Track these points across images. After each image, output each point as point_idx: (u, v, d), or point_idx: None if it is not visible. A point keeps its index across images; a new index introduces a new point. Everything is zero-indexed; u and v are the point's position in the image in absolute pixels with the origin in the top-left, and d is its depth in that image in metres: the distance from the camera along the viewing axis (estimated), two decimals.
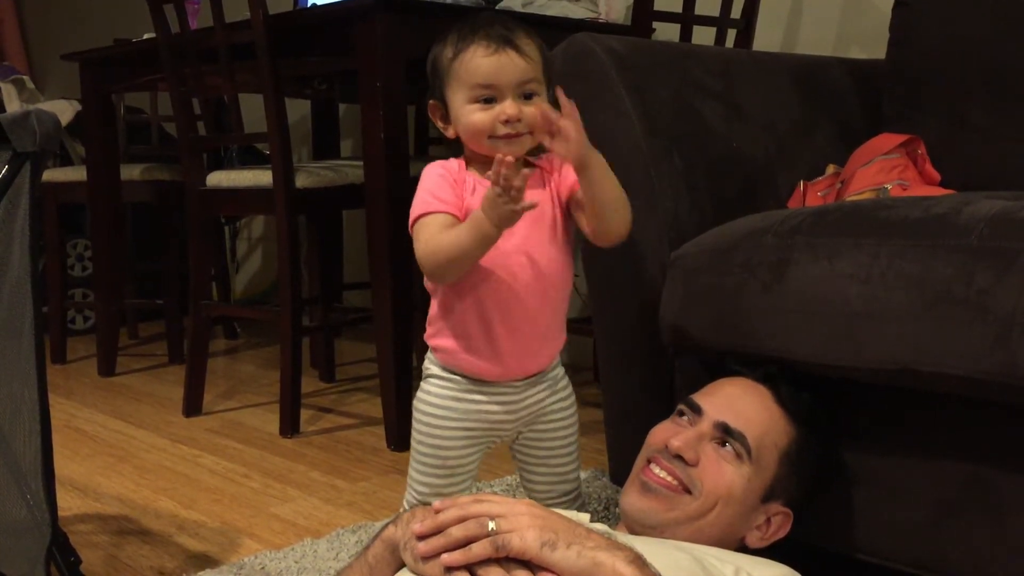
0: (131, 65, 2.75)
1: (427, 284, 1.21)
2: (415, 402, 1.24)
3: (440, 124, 1.19)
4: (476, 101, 1.12)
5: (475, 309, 1.16)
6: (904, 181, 1.53)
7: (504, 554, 0.89)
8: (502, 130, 1.11)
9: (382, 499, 1.81)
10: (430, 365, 1.24)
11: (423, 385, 1.24)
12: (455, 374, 1.21)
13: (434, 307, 1.21)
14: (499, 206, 1.04)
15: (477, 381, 1.20)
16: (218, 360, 3.17)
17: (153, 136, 3.61)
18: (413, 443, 1.24)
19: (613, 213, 1.13)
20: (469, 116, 1.13)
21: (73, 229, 3.49)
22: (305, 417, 2.36)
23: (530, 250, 1.15)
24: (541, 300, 1.18)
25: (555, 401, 1.25)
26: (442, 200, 1.14)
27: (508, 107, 1.11)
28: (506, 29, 1.12)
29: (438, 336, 1.21)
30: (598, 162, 1.11)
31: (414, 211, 1.16)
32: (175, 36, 2.34)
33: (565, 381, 1.27)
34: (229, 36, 2.20)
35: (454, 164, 1.18)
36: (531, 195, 1.07)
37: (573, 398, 1.28)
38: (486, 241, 1.08)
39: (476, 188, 1.15)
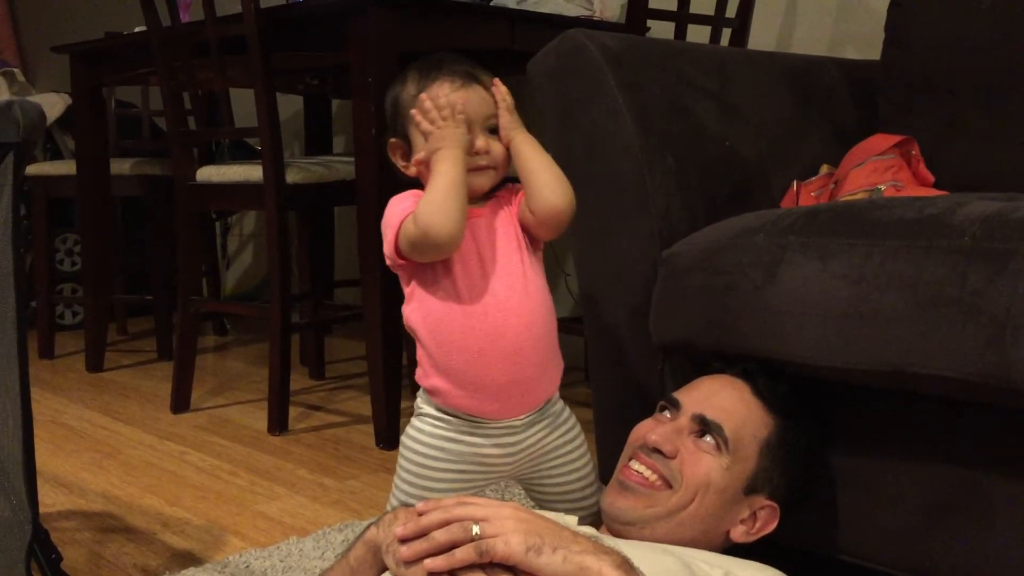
0: (122, 58, 2.73)
1: (408, 323, 1.18)
2: (403, 438, 1.20)
3: (400, 163, 1.19)
4: None
5: (464, 345, 1.13)
6: (898, 182, 1.52)
7: (488, 559, 0.88)
8: (471, 163, 1.13)
9: (370, 498, 1.80)
10: (423, 404, 1.20)
11: (414, 422, 1.20)
12: (450, 414, 1.17)
13: (420, 348, 1.17)
14: (447, 134, 1.09)
15: (474, 422, 1.16)
16: (207, 356, 3.15)
17: (144, 130, 3.59)
18: (397, 480, 1.20)
19: (543, 180, 1.15)
20: None
21: (62, 223, 3.47)
22: (294, 414, 2.34)
23: (507, 276, 1.14)
24: (529, 325, 1.15)
25: (557, 438, 1.22)
26: None
27: (478, 142, 1.13)
28: (468, 66, 1.15)
29: (430, 377, 1.17)
30: (525, 139, 1.16)
31: (394, 222, 1.13)
32: (166, 29, 2.32)
33: (566, 414, 1.24)
34: (220, 30, 2.18)
35: (422, 195, 1.17)
36: (495, 228, 1.16)
37: (578, 431, 1.24)
38: (460, 161, 1.11)
39: None
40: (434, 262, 1.14)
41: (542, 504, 1.26)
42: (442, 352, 1.15)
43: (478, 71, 1.15)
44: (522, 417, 1.17)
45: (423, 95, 1.12)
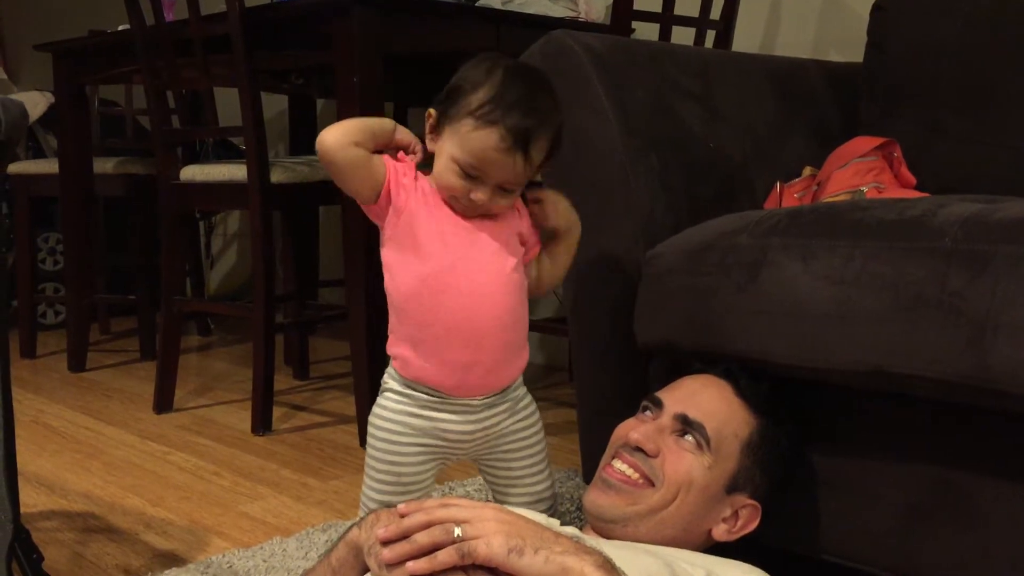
0: (105, 57, 2.72)
1: (387, 289, 1.19)
2: (371, 417, 1.22)
3: (429, 134, 1.17)
4: (460, 165, 1.12)
5: (434, 318, 1.14)
6: (880, 184, 1.53)
7: (470, 561, 0.88)
8: (467, 203, 1.13)
9: (354, 498, 1.80)
10: (388, 379, 1.22)
11: (379, 400, 1.22)
12: (413, 389, 1.19)
13: (392, 315, 1.19)
14: None
15: (435, 397, 1.18)
16: (191, 356, 3.14)
17: (127, 129, 3.57)
18: (368, 458, 1.22)
19: (556, 275, 1.26)
20: (448, 174, 1.13)
21: (45, 222, 3.45)
22: (278, 415, 2.34)
23: (492, 263, 1.15)
24: (500, 315, 1.16)
25: (515, 423, 1.23)
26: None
27: (480, 195, 1.12)
28: (535, 120, 1.09)
29: (397, 345, 1.19)
30: (576, 235, 1.24)
31: None
32: (150, 28, 2.31)
33: (527, 401, 1.25)
34: (204, 28, 2.18)
35: (411, 169, 1.17)
36: (492, 218, 1.16)
37: (536, 418, 1.26)
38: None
39: (426, 194, 1.15)
40: (416, 234, 1.14)
41: (496, 490, 1.28)
42: (411, 321, 1.16)
43: (536, 135, 1.09)
44: (480, 397, 1.19)
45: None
